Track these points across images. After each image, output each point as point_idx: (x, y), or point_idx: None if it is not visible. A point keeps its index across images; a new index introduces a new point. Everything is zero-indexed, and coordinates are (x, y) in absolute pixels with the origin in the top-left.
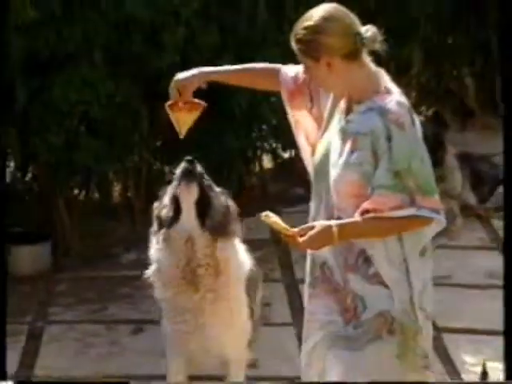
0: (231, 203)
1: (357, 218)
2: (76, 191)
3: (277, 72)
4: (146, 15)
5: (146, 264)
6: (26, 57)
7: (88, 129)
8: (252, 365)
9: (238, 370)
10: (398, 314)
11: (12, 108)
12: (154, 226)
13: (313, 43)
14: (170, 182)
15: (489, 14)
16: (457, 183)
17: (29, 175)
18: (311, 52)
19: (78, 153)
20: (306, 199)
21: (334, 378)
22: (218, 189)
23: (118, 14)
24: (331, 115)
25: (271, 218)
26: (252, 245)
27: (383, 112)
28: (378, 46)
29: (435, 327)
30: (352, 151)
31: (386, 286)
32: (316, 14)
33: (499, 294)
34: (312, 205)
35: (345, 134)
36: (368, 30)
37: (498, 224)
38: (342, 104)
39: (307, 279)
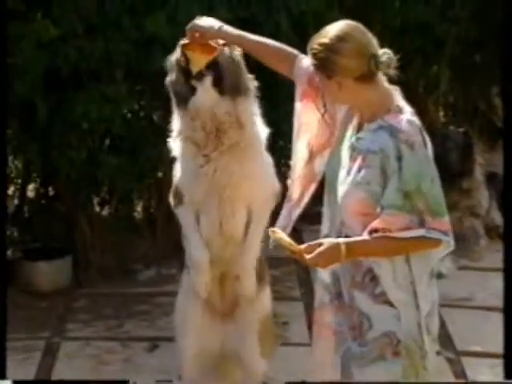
0: (240, 59)
1: (365, 236)
2: (98, 207)
3: (294, 60)
4: (167, 33)
5: (164, 281)
6: (46, 73)
7: (110, 145)
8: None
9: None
10: (403, 337)
11: (34, 124)
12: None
13: (326, 61)
14: None
15: None
16: (483, 200)
17: (51, 191)
18: (324, 69)
19: (100, 169)
20: None
21: None
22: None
23: (139, 32)
24: (345, 128)
25: (278, 233)
26: (271, 263)
27: (394, 131)
28: (392, 72)
29: (454, 351)
30: (360, 168)
31: (393, 306)
32: (332, 31)
33: None
34: (325, 219)
35: (354, 151)
36: (384, 54)
37: None
38: (355, 120)
39: (320, 295)
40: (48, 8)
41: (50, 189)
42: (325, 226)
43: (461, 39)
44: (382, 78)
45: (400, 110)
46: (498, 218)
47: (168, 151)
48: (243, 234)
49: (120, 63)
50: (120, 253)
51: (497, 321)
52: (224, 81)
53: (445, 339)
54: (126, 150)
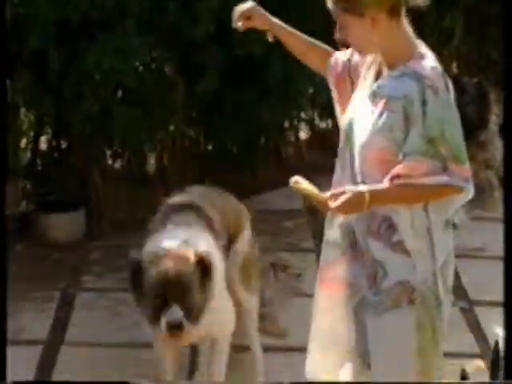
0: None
1: (387, 183)
2: (111, 160)
3: (330, 55)
4: None
5: None
6: (58, 24)
7: (123, 98)
8: (281, 335)
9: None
10: (419, 285)
11: (46, 76)
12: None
13: None
14: None
15: None
16: (497, 152)
17: (64, 144)
18: (356, 7)
19: (112, 122)
20: None
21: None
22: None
23: None
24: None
25: (301, 183)
26: (284, 215)
27: (419, 77)
28: (420, 2)
29: (467, 300)
30: (382, 113)
31: (409, 255)
32: None
33: None
34: (337, 168)
35: (376, 97)
36: None
37: None
38: (372, 69)
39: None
40: None
41: (63, 142)
42: (337, 177)
43: None
44: (406, 22)
45: (422, 56)
46: None
47: (180, 104)
48: None
49: (132, 14)
50: (133, 205)
51: None
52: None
53: (458, 289)
54: (139, 103)
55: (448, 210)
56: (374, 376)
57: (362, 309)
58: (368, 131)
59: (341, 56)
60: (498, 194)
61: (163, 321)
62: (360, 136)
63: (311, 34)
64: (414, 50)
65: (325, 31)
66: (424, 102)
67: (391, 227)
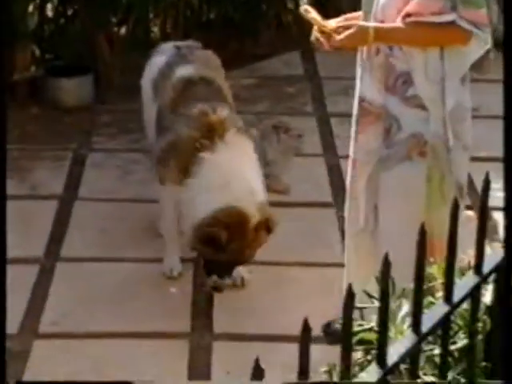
0: None
1: (397, 23)
2: (116, 27)
3: None
4: None
5: None
6: None
7: None
8: (284, 191)
9: None
10: (431, 138)
11: None
12: None
13: None
14: None
15: None
16: (493, 13)
17: (69, 10)
18: None
19: None
20: None
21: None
22: None
23: None
24: None
25: (310, 12)
26: (286, 80)
27: None
28: None
29: None
30: None
31: (422, 109)
32: None
33: None
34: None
35: None
36: None
37: None
38: None
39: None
40: None
41: (68, 8)
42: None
43: None
44: None
45: None
46: None
47: None
48: None
49: None
50: (139, 72)
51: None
52: None
53: None
54: None
55: (464, 63)
56: (381, 229)
57: (376, 165)
58: None
59: None
60: (492, 56)
61: (214, 278)
62: None
63: None
64: None
65: None
66: None
67: (407, 82)
